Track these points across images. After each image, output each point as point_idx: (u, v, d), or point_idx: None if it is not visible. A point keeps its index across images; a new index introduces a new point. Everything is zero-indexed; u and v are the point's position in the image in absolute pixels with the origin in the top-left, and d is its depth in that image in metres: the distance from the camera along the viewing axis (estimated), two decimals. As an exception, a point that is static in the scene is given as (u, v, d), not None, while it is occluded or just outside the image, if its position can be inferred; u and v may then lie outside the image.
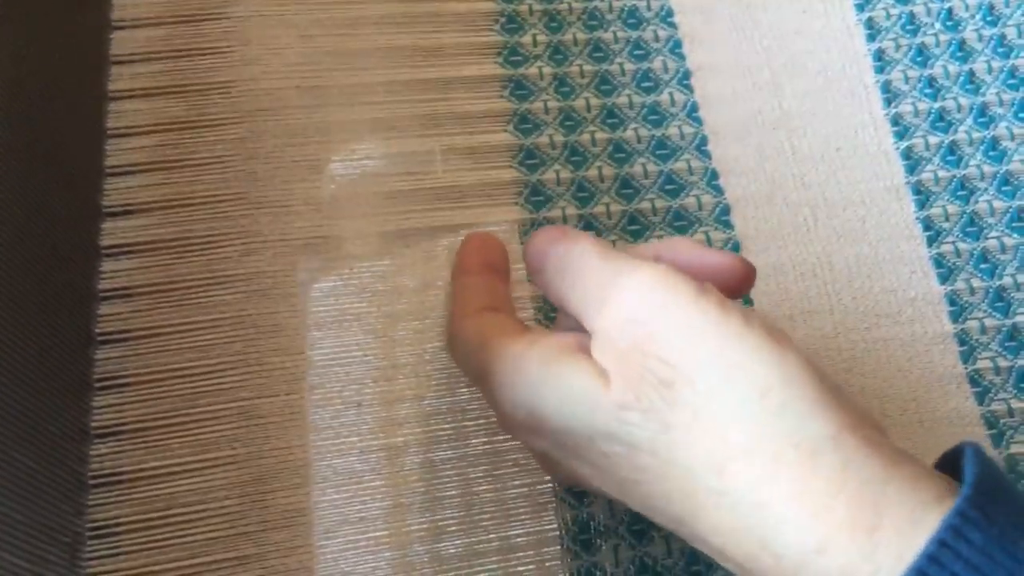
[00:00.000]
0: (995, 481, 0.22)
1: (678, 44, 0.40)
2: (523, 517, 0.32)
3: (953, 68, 0.40)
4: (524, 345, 0.26)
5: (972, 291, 0.36)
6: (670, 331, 0.24)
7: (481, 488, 0.32)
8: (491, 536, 0.31)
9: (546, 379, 0.25)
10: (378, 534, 0.31)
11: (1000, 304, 0.36)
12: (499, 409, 0.28)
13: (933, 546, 0.20)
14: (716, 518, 0.23)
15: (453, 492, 0.32)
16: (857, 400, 0.24)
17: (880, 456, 0.22)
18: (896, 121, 0.39)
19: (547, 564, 0.31)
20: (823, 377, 0.23)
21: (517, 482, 0.32)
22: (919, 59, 0.40)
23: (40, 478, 0.28)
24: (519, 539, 0.32)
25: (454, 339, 0.29)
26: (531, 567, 0.31)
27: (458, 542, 0.31)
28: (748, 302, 0.36)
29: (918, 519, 0.21)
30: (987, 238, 0.37)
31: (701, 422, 0.23)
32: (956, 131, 0.39)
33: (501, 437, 0.33)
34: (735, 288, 0.27)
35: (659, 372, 0.23)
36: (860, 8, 0.41)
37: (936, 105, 0.39)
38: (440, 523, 0.32)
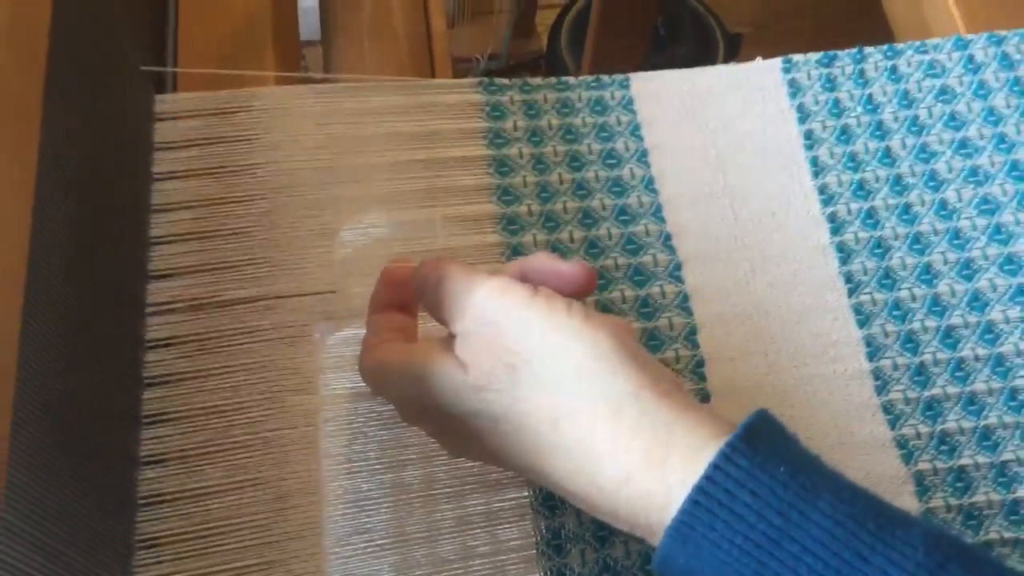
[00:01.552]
0: (767, 428, 0.28)
1: (637, 127, 0.47)
2: (505, 525, 0.37)
3: (872, 145, 0.47)
4: (407, 354, 0.33)
5: (886, 334, 0.42)
6: (510, 326, 0.31)
7: (470, 501, 0.38)
8: (478, 542, 0.37)
9: (423, 374, 0.32)
10: (382, 542, 0.37)
11: (910, 345, 0.42)
12: (398, 407, 0.35)
13: (709, 469, 0.27)
14: (557, 464, 0.30)
15: (447, 505, 0.38)
16: (657, 363, 0.31)
17: (671, 405, 0.29)
18: (823, 190, 0.46)
19: (524, 565, 0.37)
20: (627, 348, 0.30)
21: (499, 496, 0.38)
22: (843, 138, 0.47)
23: (99, 498, 0.34)
24: (502, 544, 0.37)
25: (361, 369, 0.36)
26: (512, 568, 0.37)
27: (451, 547, 0.37)
28: (696, 345, 0.42)
29: (698, 451, 0.27)
30: (900, 289, 0.43)
31: (538, 393, 0.30)
32: (874, 199, 0.46)
33: (486, 461, 0.38)
34: (582, 286, 0.34)
35: (505, 358, 0.30)
36: (792, 95, 0.48)
37: (857, 176, 0.46)
38: (436, 531, 0.37)
